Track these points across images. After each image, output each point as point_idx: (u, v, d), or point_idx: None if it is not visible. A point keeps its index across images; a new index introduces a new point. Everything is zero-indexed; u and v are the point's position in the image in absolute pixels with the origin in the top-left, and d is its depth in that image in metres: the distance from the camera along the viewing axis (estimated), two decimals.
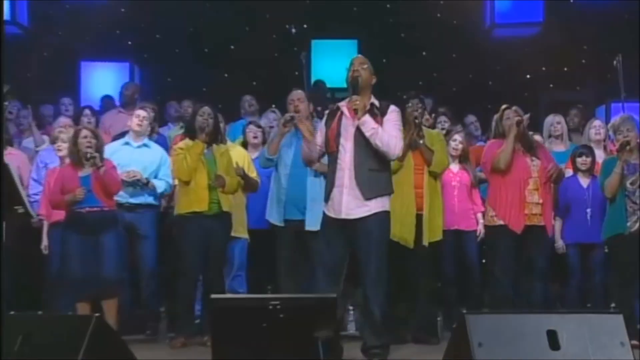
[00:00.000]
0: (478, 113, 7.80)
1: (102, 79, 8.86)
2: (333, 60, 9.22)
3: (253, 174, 6.07)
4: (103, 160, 5.62)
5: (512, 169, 5.46)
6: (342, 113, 4.71)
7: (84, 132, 5.67)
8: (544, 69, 9.40)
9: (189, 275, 5.50)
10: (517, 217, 5.41)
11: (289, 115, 5.44)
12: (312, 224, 5.32)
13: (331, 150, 4.68)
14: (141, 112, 6.29)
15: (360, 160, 4.61)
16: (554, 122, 6.81)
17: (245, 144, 6.58)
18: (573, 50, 9.06)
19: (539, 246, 5.48)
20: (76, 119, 7.16)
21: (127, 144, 6.19)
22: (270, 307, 3.73)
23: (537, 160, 5.50)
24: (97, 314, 3.81)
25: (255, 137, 6.58)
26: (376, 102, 4.73)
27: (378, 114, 4.67)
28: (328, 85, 8.64)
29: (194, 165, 5.43)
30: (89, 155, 5.54)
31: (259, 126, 6.69)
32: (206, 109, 5.59)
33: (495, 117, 5.70)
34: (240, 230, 6.02)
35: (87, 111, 7.21)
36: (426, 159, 5.47)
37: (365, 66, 4.71)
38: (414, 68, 8.17)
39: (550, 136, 6.78)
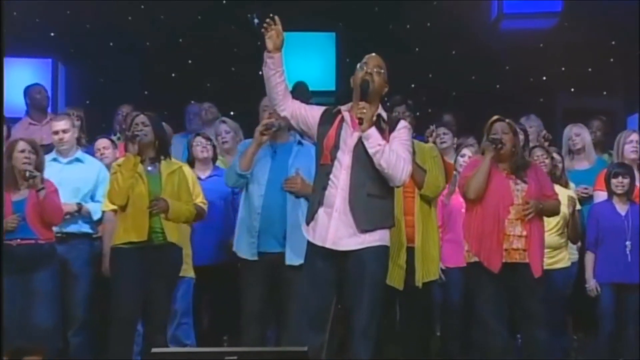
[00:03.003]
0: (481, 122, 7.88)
1: (18, 79, 8.80)
2: (306, 58, 9.28)
3: (198, 198, 6.06)
4: (44, 181, 5.60)
5: (490, 194, 5.43)
6: (342, 119, 4.74)
7: (21, 145, 5.64)
8: (563, 69, 9.51)
9: (124, 322, 5.47)
10: (493, 253, 5.38)
11: (269, 121, 5.41)
12: (294, 258, 5.29)
13: (324, 161, 4.69)
14: (59, 124, 6.22)
15: (358, 181, 4.61)
16: (572, 134, 6.87)
17: (192, 161, 6.57)
18: (598, 47, 9.18)
19: (524, 288, 5.41)
20: None
21: (55, 159, 6.19)
22: None
23: (522, 184, 5.47)
24: None
25: (204, 152, 6.57)
26: (384, 114, 4.75)
27: (385, 129, 4.68)
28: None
29: (126, 184, 5.42)
30: (28, 174, 5.51)
31: (208, 138, 6.68)
32: (140, 118, 5.60)
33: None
34: (183, 267, 6.01)
35: None
36: (417, 180, 5.46)
37: (382, 71, 4.74)
38: (405, 68, 8.20)
39: (570, 151, 6.84)
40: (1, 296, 5.35)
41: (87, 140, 7.10)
